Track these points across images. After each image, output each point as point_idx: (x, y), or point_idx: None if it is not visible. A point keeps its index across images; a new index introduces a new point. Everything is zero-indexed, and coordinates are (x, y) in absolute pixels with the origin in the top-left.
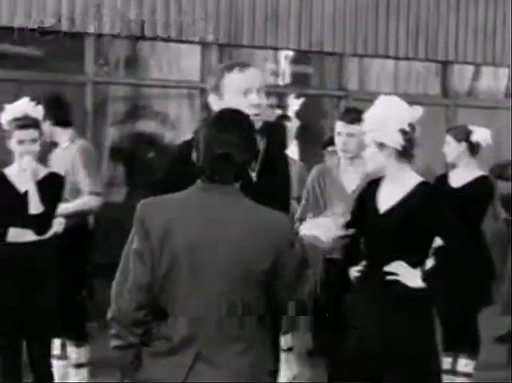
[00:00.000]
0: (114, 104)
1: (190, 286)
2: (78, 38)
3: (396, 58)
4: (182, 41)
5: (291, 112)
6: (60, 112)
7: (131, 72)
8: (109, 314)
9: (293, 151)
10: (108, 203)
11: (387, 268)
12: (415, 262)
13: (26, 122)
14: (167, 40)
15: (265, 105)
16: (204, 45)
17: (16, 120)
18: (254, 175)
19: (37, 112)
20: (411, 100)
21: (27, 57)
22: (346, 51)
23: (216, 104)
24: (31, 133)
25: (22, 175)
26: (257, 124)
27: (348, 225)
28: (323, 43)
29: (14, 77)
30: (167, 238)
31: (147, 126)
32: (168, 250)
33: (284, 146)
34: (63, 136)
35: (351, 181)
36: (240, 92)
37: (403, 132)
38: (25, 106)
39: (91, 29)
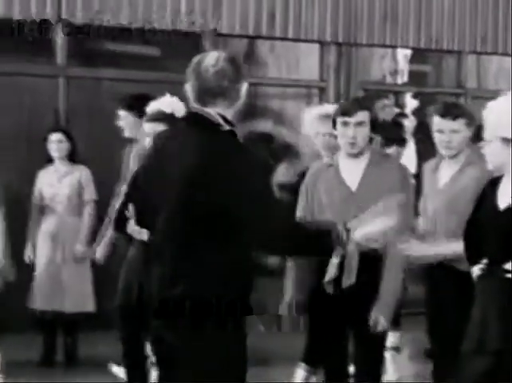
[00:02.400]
0: None
1: None
2: (195, 38)
3: None
4: (300, 40)
5: (409, 111)
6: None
7: (249, 71)
8: None
9: (410, 148)
10: None
11: (506, 266)
12: None
13: (155, 117)
14: (286, 39)
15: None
16: (323, 44)
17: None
18: None
19: (172, 107)
20: None
21: (145, 56)
22: (465, 49)
23: None
24: (155, 126)
25: None
26: None
27: (469, 223)
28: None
29: (133, 77)
30: None
31: (264, 125)
32: None
33: None
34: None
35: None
36: None
37: None
38: (159, 102)
39: (209, 29)
